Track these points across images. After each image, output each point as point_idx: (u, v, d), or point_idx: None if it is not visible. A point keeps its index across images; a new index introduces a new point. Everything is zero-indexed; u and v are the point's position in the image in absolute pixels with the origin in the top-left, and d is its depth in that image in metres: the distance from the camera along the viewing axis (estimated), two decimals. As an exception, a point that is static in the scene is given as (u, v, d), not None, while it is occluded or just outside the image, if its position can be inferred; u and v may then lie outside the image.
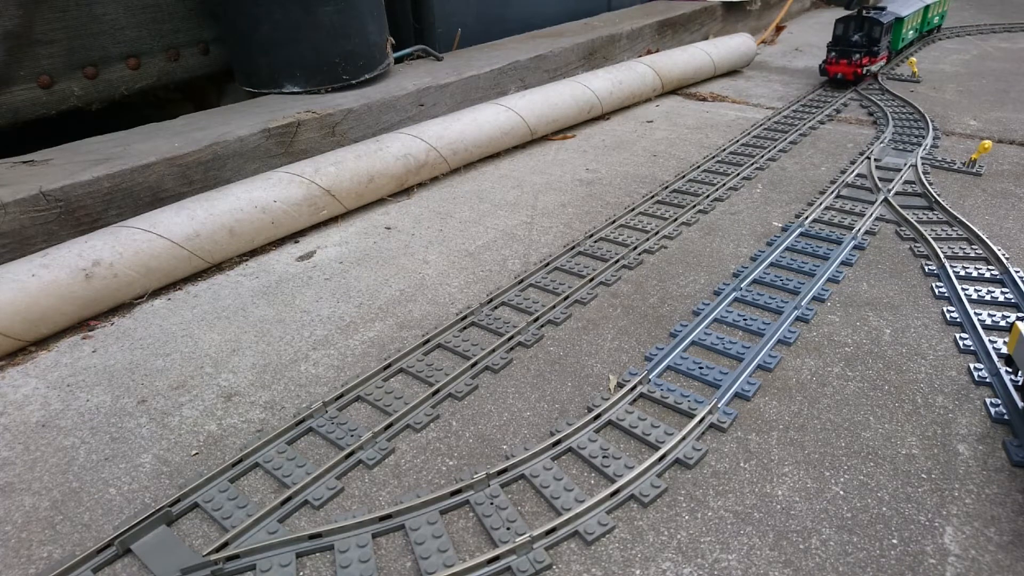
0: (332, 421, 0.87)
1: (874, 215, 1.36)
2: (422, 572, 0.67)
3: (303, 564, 0.69)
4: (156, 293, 1.21)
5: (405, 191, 1.61)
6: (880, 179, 1.53)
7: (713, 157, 1.72)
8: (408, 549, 0.70)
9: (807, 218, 1.35)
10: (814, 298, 1.10)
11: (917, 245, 1.25)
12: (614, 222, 1.39)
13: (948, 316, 1.03)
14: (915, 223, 1.30)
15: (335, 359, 1.01)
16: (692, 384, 0.92)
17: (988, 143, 1.52)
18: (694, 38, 2.91)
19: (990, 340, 0.96)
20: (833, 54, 2.27)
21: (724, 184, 1.55)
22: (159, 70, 1.73)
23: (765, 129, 1.92)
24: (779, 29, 3.23)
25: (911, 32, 2.64)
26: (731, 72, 2.59)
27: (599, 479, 0.78)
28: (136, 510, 0.76)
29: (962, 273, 1.13)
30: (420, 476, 0.79)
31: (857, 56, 2.21)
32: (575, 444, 0.82)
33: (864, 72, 2.24)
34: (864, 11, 2.29)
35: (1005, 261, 1.14)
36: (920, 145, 1.71)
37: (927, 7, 2.74)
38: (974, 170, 1.56)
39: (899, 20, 2.45)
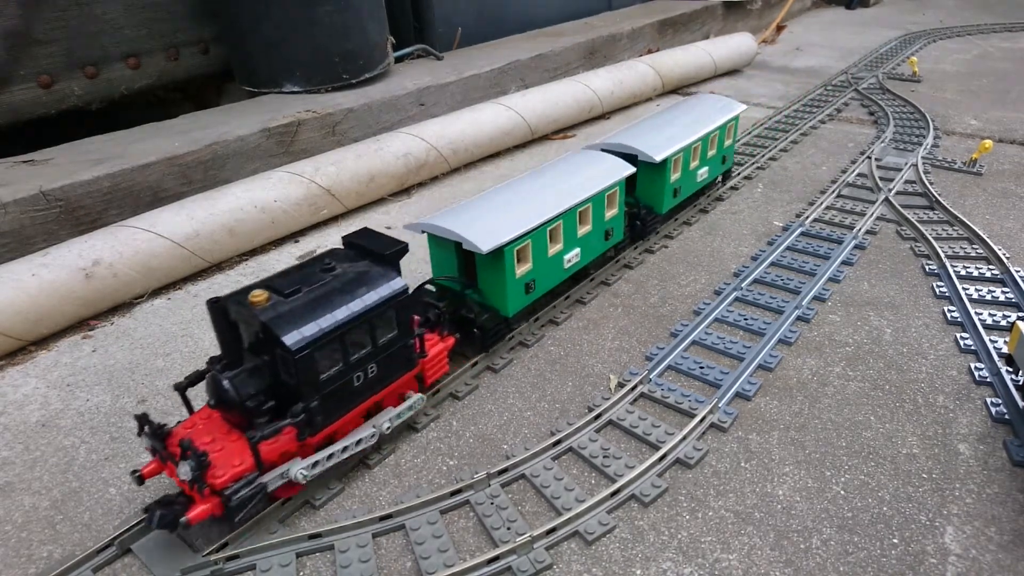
0: (332, 421, 0.87)
1: (875, 214, 1.36)
2: (422, 572, 0.66)
3: (303, 564, 0.69)
4: (156, 293, 1.21)
5: (405, 190, 1.61)
6: (881, 178, 1.53)
7: (713, 156, 1.72)
8: (408, 549, 0.70)
9: (808, 217, 1.35)
10: (815, 297, 1.10)
11: (918, 244, 1.24)
12: (614, 222, 1.38)
13: (949, 316, 1.03)
14: (916, 222, 1.30)
15: (335, 359, 1.01)
16: (693, 384, 0.92)
17: (989, 143, 1.52)
18: (695, 37, 2.90)
19: (991, 340, 0.96)
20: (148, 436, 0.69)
21: (725, 183, 1.54)
22: (159, 70, 1.73)
23: (766, 128, 1.92)
24: (780, 28, 3.23)
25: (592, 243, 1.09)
26: (732, 71, 2.59)
27: (599, 479, 0.78)
28: (136, 510, 0.76)
29: (963, 272, 1.13)
30: (420, 476, 0.79)
31: (190, 471, 0.63)
32: (575, 444, 0.81)
33: (223, 513, 0.65)
34: (266, 293, 0.68)
35: (1006, 260, 1.14)
36: (921, 145, 1.71)
37: (669, 164, 1.21)
38: (975, 170, 1.56)
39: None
